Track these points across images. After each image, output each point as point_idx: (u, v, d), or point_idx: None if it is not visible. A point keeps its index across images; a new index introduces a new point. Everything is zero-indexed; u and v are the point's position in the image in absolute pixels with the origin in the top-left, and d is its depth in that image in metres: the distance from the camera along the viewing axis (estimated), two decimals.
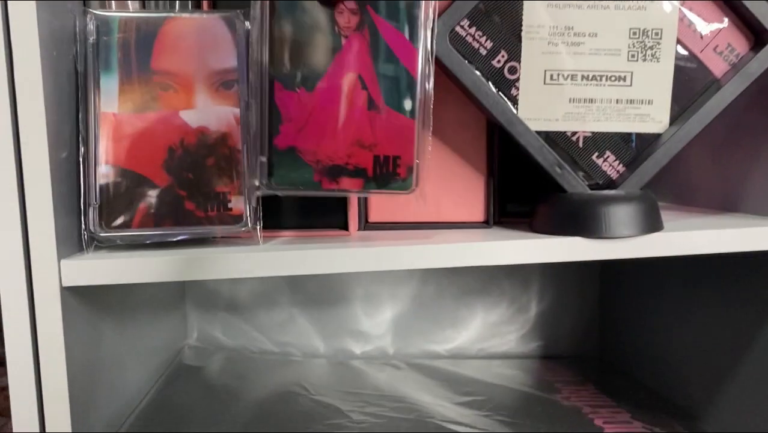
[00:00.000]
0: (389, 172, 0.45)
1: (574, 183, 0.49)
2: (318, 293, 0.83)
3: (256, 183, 0.44)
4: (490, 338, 0.84)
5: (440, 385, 0.72)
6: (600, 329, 0.85)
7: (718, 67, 0.50)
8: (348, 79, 0.44)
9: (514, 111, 0.49)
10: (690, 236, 0.49)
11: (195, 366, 0.75)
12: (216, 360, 0.78)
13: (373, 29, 0.44)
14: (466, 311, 0.84)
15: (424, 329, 0.84)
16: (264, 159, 0.44)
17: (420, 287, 0.84)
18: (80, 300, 0.47)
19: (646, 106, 0.50)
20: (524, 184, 0.57)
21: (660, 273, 0.71)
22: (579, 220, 0.48)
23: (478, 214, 0.55)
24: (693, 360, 0.65)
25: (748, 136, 0.58)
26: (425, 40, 0.44)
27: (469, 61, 0.48)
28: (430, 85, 0.45)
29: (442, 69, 0.49)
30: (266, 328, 0.83)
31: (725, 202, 0.60)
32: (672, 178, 0.69)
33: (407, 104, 0.45)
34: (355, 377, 0.75)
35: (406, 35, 0.44)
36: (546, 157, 0.49)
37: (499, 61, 0.49)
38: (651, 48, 0.49)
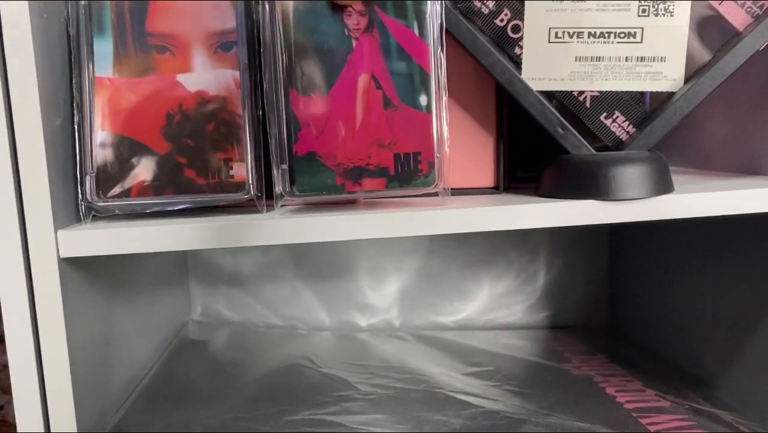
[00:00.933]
0: (411, 168, 0.45)
1: (578, 144, 0.47)
2: (323, 266, 0.82)
3: (279, 191, 0.44)
4: (498, 309, 0.83)
5: (448, 356, 0.71)
6: (609, 298, 0.84)
7: (738, 19, 0.47)
8: (362, 80, 0.44)
9: (514, 70, 0.47)
10: (702, 198, 0.47)
11: (200, 340, 0.74)
12: (221, 334, 0.77)
13: (382, 29, 0.45)
14: (473, 282, 0.83)
15: (431, 300, 0.83)
16: (285, 167, 0.44)
17: (426, 259, 0.82)
18: (79, 272, 0.46)
19: (659, 64, 0.48)
20: (535, 149, 0.56)
21: (670, 239, 0.69)
22: (583, 182, 0.46)
23: (487, 179, 0.53)
24: (705, 327, 0.64)
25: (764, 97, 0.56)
26: (435, 35, 0.45)
27: (470, 21, 0.46)
28: (443, 78, 0.45)
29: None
30: (271, 302, 0.82)
31: (745, 166, 0.59)
32: (690, 142, 0.67)
33: (423, 100, 0.45)
34: (361, 350, 0.74)
35: (416, 32, 0.45)
36: (548, 117, 0.47)
37: (502, 20, 0.47)
38: (663, 1, 0.47)
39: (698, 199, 0.47)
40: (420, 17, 0.45)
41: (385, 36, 0.45)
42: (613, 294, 0.83)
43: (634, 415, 0.55)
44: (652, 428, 0.53)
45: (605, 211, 0.46)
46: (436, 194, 0.45)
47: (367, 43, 0.45)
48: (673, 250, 0.69)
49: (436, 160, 0.45)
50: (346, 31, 0.44)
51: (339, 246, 0.81)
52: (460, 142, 0.52)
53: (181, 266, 0.79)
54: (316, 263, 0.82)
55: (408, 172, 0.45)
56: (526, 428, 0.52)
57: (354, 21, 0.44)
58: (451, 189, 0.52)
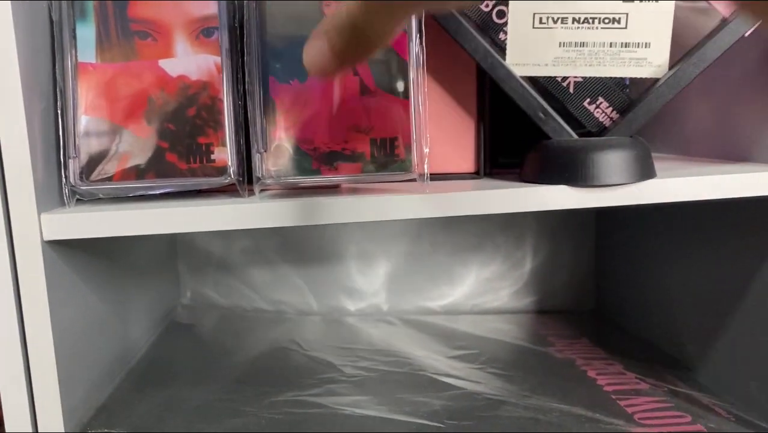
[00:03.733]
0: (387, 154, 0.46)
1: (559, 129, 0.48)
2: (311, 251, 0.82)
3: (258, 175, 0.45)
4: (485, 293, 0.84)
5: (434, 340, 0.72)
6: (596, 283, 0.85)
7: (725, 6, 0.47)
8: None
9: (497, 55, 0.47)
10: (684, 183, 0.47)
11: (188, 324, 0.75)
12: (209, 318, 0.78)
13: None
14: (461, 267, 0.84)
15: (419, 285, 0.84)
16: (263, 151, 0.45)
17: (414, 244, 0.83)
18: (63, 256, 0.46)
19: (643, 50, 0.48)
20: (517, 135, 0.56)
21: (656, 225, 0.70)
22: (564, 167, 0.47)
23: (469, 165, 0.54)
24: (687, 312, 0.65)
25: (755, 87, 0.56)
26: (414, 22, 0.45)
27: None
28: (422, 65, 0.46)
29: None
30: (259, 286, 0.82)
31: (727, 153, 0.59)
32: (673, 129, 0.67)
33: (400, 86, 0.46)
34: (348, 334, 0.75)
35: None
36: (529, 102, 0.47)
37: (487, 5, 0.47)
38: None
39: (680, 184, 0.47)
40: None
41: None
42: (600, 279, 0.84)
43: (614, 397, 0.56)
44: (629, 410, 0.54)
45: (587, 196, 0.47)
46: (414, 180, 0.46)
47: None
48: (658, 236, 0.70)
49: (413, 146, 0.46)
50: None
51: (327, 231, 0.82)
52: (441, 128, 0.52)
53: (170, 250, 0.80)
54: (305, 248, 0.82)
55: (385, 158, 0.46)
56: (505, 409, 0.53)
57: (332, 10, 0.45)
58: (432, 174, 0.52)
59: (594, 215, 0.84)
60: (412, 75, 0.46)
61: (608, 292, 0.82)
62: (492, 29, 0.48)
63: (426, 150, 0.46)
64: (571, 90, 0.49)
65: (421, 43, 0.46)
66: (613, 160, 0.46)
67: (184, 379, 0.59)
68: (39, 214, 0.43)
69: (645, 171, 0.47)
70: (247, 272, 0.82)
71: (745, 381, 0.57)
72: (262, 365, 0.63)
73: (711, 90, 0.60)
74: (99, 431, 0.48)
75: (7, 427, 0.44)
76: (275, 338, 0.72)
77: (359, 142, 0.46)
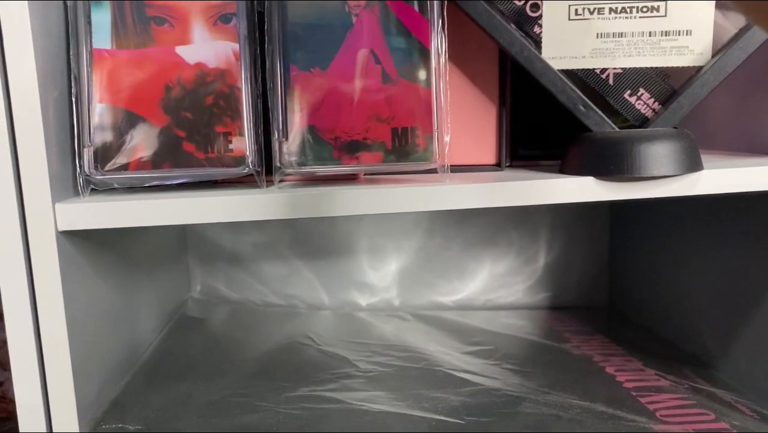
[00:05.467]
0: (408, 143, 0.45)
1: (600, 122, 0.46)
2: (322, 245, 0.81)
3: (278, 164, 0.44)
4: (498, 288, 0.83)
5: (447, 335, 0.71)
6: (610, 278, 0.83)
7: None
8: (361, 55, 0.45)
9: (532, 48, 0.46)
10: (734, 174, 0.46)
11: (199, 318, 0.74)
12: (220, 312, 0.77)
13: (382, 5, 0.45)
14: (474, 262, 0.83)
15: (431, 280, 0.83)
16: (283, 140, 0.44)
17: (426, 239, 0.82)
18: (78, 246, 0.45)
19: (684, 38, 0.47)
20: (539, 127, 0.55)
21: (671, 220, 0.69)
22: (608, 159, 0.45)
23: (489, 157, 0.53)
24: (706, 308, 0.64)
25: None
26: (436, 11, 0.45)
27: (488, 1, 0.46)
28: (444, 54, 0.45)
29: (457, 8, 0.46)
30: (270, 280, 0.81)
31: (749, 145, 0.58)
32: (694, 122, 0.66)
33: (422, 75, 0.45)
34: (361, 329, 0.74)
35: (416, 7, 0.45)
36: (569, 95, 0.46)
37: None
38: None
39: (730, 175, 0.46)
40: None
41: (386, 12, 0.45)
42: (614, 275, 0.83)
43: (634, 394, 0.55)
44: (651, 407, 0.53)
45: (633, 188, 0.45)
46: (435, 170, 0.45)
47: (367, 19, 0.45)
48: (674, 231, 0.69)
49: (434, 136, 0.45)
50: (346, 7, 0.44)
51: (339, 225, 0.81)
52: (462, 119, 0.51)
53: (180, 243, 0.79)
54: (316, 242, 0.81)
55: (405, 147, 0.45)
56: (525, 406, 0.52)
57: None
58: (453, 166, 0.51)
59: (608, 210, 0.83)
60: (433, 64, 0.45)
61: (623, 288, 0.81)
62: (527, 23, 0.47)
63: (447, 140, 0.45)
64: (611, 82, 0.48)
65: (443, 31, 0.45)
66: (660, 152, 0.45)
67: (197, 373, 0.58)
68: (53, 204, 0.42)
69: (693, 162, 0.46)
70: (258, 266, 0.81)
71: (765, 378, 0.56)
72: (275, 360, 0.62)
73: (728, 80, 0.59)
74: (113, 426, 0.47)
75: (21, 426, 0.43)
76: (287, 333, 0.71)
77: (380, 132, 0.45)
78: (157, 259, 0.69)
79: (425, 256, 0.82)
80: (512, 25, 0.46)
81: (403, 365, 0.62)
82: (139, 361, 0.60)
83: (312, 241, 0.81)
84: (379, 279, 0.82)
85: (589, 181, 0.45)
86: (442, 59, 0.45)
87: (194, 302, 0.80)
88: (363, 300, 0.82)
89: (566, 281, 0.83)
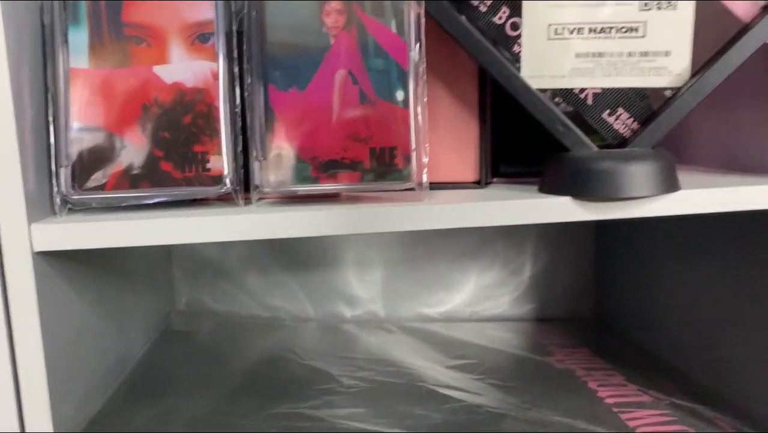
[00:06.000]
0: (386, 163, 0.45)
1: (579, 142, 0.46)
2: (308, 257, 0.81)
3: (256, 183, 0.45)
4: (484, 300, 0.83)
5: (432, 348, 0.71)
6: (596, 290, 0.84)
7: (744, 11, 0.46)
8: (339, 76, 0.45)
9: (512, 68, 0.46)
10: (710, 195, 0.46)
11: (184, 331, 0.74)
12: (205, 325, 0.77)
13: (360, 27, 0.45)
14: (459, 274, 0.83)
15: (417, 292, 0.83)
16: (261, 159, 0.44)
17: (412, 251, 0.82)
18: (55, 266, 0.45)
19: (663, 59, 0.47)
20: (520, 144, 0.55)
21: (656, 234, 0.69)
22: (585, 179, 0.45)
23: (470, 173, 0.53)
24: (688, 322, 0.64)
25: (750, 93, 0.55)
26: (414, 32, 0.45)
27: (468, 19, 0.46)
28: (422, 74, 0.45)
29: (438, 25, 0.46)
30: (256, 293, 0.81)
31: (728, 163, 0.58)
32: (674, 140, 0.66)
33: (399, 95, 0.45)
34: (346, 342, 0.74)
35: (394, 29, 0.45)
36: (547, 115, 0.46)
37: (500, 18, 0.46)
38: None
39: (707, 196, 0.47)
40: (398, 15, 0.45)
41: (363, 33, 0.45)
42: (600, 287, 0.83)
43: (615, 410, 0.55)
44: (631, 424, 0.53)
45: (609, 208, 0.45)
46: (412, 189, 0.45)
47: (345, 41, 0.45)
48: (659, 245, 0.69)
49: (412, 155, 0.45)
50: (324, 29, 0.45)
51: (324, 237, 0.81)
52: (443, 137, 0.51)
53: (165, 256, 0.79)
54: (302, 254, 0.81)
55: (383, 167, 0.45)
56: (506, 423, 0.52)
57: (333, 19, 0.45)
58: (434, 184, 0.51)
59: (594, 223, 0.83)
60: (411, 85, 0.45)
61: (608, 300, 0.81)
62: (506, 42, 0.47)
63: (425, 160, 0.45)
64: (590, 101, 0.48)
65: (420, 52, 0.45)
66: (637, 172, 0.45)
67: (179, 389, 0.58)
68: (29, 224, 0.42)
69: (669, 183, 0.46)
70: (243, 279, 0.81)
71: (746, 394, 0.56)
72: (259, 375, 0.62)
73: (708, 99, 0.59)
74: None
75: None
76: (272, 346, 0.71)
77: (358, 151, 0.45)
78: (141, 273, 0.69)
79: (411, 267, 0.82)
80: (492, 44, 0.46)
81: (386, 380, 0.62)
82: (121, 377, 0.59)
83: (298, 253, 0.81)
84: (365, 291, 0.82)
85: (566, 201, 0.45)
86: (421, 79, 0.45)
87: (179, 315, 0.79)
88: (349, 312, 0.82)
89: (552, 293, 0.84)
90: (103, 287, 0.55)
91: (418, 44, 0.45)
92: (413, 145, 0.45)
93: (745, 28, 0.46)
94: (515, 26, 0.47)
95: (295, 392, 0.58)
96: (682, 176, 0.52)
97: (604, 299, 0.82)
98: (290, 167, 0.45)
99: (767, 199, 0.47)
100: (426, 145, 0.45)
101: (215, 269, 0.81)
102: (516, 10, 0.46)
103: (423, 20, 0.45)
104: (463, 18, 0.46)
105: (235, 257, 0.80)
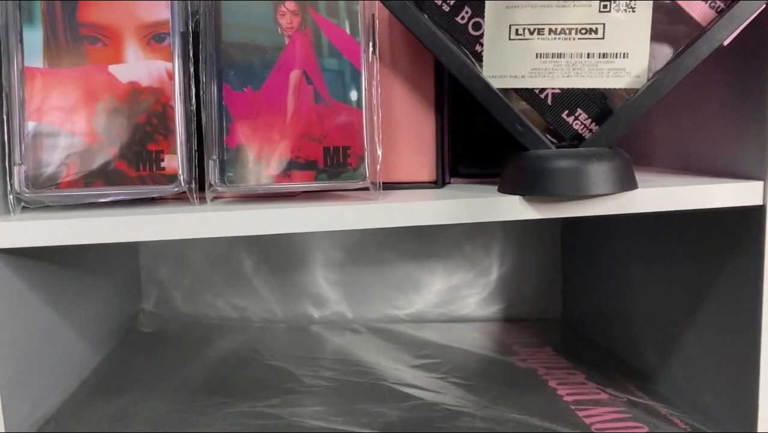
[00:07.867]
0: (340, 162, 0.46)
1: (537, 141, 0.47)
2: (277, 258, 0.82)
3: (211, 182, 0.45)
4: (452, 301, 0.84)
5: (398, 348, 0.72)
6: (562, 292, 0.85)
7: (702, 14, 0.47)
8: (293, 76, 0.45)
9: (473, 67, 0.47)
10: (667, 193, 0.47)
11: (150, 332, 0.74)
12: (173, 326, 0.77)
13: (314, 28, 0.46)
14: (427, 275, 0.83)
15: (385, 293, 0.83)
16: (216, 158, 0.45)
17: (381, 252, 0.83)
18: (9, 263, 0.45)
19: (621, 60, 0.47)
20: (479, 144, 0.56)
21: (618, 235, 0.70)
22: (542, 178, 0.46)
23: (428, 173, 0.53)
24: (647, 322, 0.65)
25: (705, 97, 0.56)
26: (367, 33, 0.46)
27: (430, 18, 0.46)
28: (376, 75, 0.46)
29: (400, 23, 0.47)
30: (224, 293, 0.81)
31: (684, 164, 0.59)
32: (631, 142, 0.67)
33: (353, 95, 0.46)
34: (313, 342, 0.74)
35: (348, 30, 0.46)
36: (506, 114, 0.47)
37: (462, 18, 0.47)
38: None
39: (664, 194, 0.47)
40: (352, 16, 0.45)
41: (318, 34, 0.46)
42: (566, 288, 0.84)
43: (572, 408, 0.56)
44: (587, 420, 0.54)
45: (568, 206, 0.46)
46: (366, 188, 0.46)
47: (299, 41, 0.45)
48: (620, 246, 0.70)
49: (365, 155, 0.45)
50: (279, 29, 0.45)
51: (293, 237, 0.81)
52: (400, 137, 0.52)
53: (132, 256, 0.79)
54: (271, 255, 0.81)
55: (337, 166, 0.45)
56: (462, 421, 0.53)
57: (287, 20, 0.45)
58: (391, 183, 0.52)
59: (560, 225, 0.84)
60: (364, 85, 0.45)
61: (573, 301, 0.82)
62: (468, 41, 0.47)
63: (379, 158, 0.46)
64: (549, 102, 0.48)
65: (374, 53, 0.46)
66: (593, 170, 0.46)
67: (139, 389, 0.58)
68: None
69: (626, 181, 0.47)
70: (211, 279, 0.81)
71: (701, 392, 0.57)
72: (220, 375, 0.62)
73: (668, 103, 0.61)
74: None
75: None
76: (237, 347, 0.71)
77: (312, 151, 0.45)
78: (106, 274, 0.69)
79: (380, 268, 0.83)
80: (453, 43, 0.47)
81: (347, 379, 0.62)
82: (82, 377, 0.59)
83: (267, 253, 0.81)
84: (334, 291, 0.83)
85: (522, 200, 0.46)
86: (375, 80, 0.46)
87: (147, 316, 0.79)
88: (317, 313, 0.83)
89: (519, 294, 0.84)
90: (62, 286, 0.55)
91: (371, 45, 0.45)
92: (367, 145, 0.46)
93: (701, 32, 0.47)
94: (477, 26, 0.47)
95: (255, 391, 0.58)
96: (640, 176, 0.53)
97: (569, 300, 0.83)
98: (245, 166, 0.45)
99: (721, 197, 0.48)
100: (380, 145, 0.46)
101: (184, 270, 0.81)
102: (478, 11, 0.47)
103: (377, 21, 0.46)
104: (426, 17, 0.46)
105: (203, 257, 0.81)
